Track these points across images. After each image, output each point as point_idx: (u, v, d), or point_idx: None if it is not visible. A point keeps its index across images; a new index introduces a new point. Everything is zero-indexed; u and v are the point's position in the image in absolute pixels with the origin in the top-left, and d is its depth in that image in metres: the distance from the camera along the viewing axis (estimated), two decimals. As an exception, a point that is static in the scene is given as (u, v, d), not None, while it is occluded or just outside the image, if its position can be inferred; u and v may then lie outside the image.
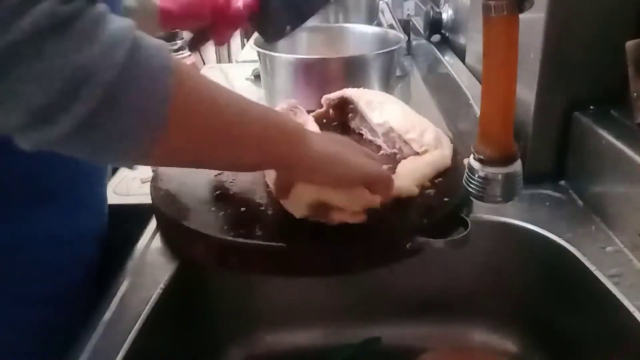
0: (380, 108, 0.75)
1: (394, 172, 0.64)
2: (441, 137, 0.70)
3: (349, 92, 0.81)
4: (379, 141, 0.75)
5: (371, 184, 0.52)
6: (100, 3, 0.35)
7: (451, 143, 0.71)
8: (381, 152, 0.75)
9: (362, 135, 0.79)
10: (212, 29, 0.85)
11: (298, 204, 0.56)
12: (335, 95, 0.82)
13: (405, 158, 0.68)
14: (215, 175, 0.69)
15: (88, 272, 0.66)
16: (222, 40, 0.88)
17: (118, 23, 0.35)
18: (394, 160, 0.71)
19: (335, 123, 0.84)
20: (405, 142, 0.69)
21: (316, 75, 0.97)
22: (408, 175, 0.62)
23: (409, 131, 0.69)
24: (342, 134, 0.78)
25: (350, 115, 0.82)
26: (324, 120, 0.83)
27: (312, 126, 0.73)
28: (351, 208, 0.53)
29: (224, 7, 0.82)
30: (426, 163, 0.65)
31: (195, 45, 0.93)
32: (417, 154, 0.68)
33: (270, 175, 0.62)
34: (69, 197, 0.61)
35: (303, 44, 1.14)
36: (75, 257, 0.64)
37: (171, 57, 0.38)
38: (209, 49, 3.22)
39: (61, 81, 0.32)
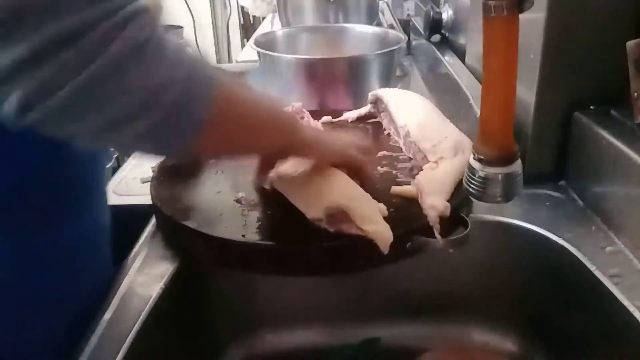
0: (406, 110, 0.75)
1: (413, 177, 0.64)
2: (462, 144, 0.67)
3: (382, 92, 0.82)
4: (401, 143, 0.75)
5: (349, 163, 0.62)
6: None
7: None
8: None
9: (390, 135, 0.79)
10: None
11: (316, 204, 0.56)
12: (371, 93, 0.85)
13: (418, 165, 0.67)
14: (215, 174, 0.69)
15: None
16: None
17: (174, 41, 0.41)
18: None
19: (373, 120, 0.85)
20: (419, 150, 0.68)
21: (316, 75, 0.97)
22: (436, 192, 0.60)
23: (425, 139, 0.68)
24: (375, 132, 0.82)
25: (382, 113, 0.82)
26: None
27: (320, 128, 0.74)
28: (367, 217, 0.55)
29: None
30: (445, 173, 0.63)
31: None
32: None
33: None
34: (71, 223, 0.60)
35: (303, 44, 1.14)
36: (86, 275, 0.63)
37: (214, 70, 0.45)
38: (209, 48, 3.22)
39: (139, 98, 0.38)
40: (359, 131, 0.83)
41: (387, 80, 1.01)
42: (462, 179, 0.58)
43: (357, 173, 0.62)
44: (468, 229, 0.57)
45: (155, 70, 0.38)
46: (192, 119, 0.42)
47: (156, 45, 0.38)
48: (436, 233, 0.56)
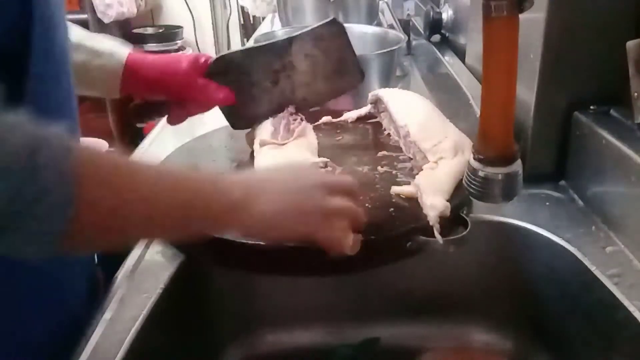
0: (406, 110, 0.75)
1: (413, 178, 0.64)
2: (462, 144, 0.67)
3: (382, 92, 0.82)
4: (401, 143, 0.75)
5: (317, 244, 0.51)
6: None
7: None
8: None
9: (390, 135, 0.79)
10: (173, 106, 0.73)
11: None
12: (371, 94, 0.84)
13: (418, 165, 0.67)
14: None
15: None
16: (177, 121, 0.74)
17: (10, 135, 0.34)
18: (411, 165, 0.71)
19: (373, 120, 0.85)
20: (419, 149, 0.69)
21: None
22: (436, 192, 0.60)
23: (425, 139, 0.68)
24: (375, 132, 0.81)
25: (382, 113, 0.82)
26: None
27: (311, 135, 0.73)
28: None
29: (197, 88, 0.70)
30: (445, 173, 0.63)
31: (140, 117, 0.76)
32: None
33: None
34: None
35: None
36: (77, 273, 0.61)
37: (70, 151, 0.37)
38: (209, 48, 3.22)
39: None
40: (359, 131, 0.83)
41: (387, 80, 1.01)
42: (462, 179, 0.58)
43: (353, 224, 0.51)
44: (468, 228, 0.57)
45: None
46: (45, 216, 0.36)
47: None
48: (436, 233, 0.56)
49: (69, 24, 0.56)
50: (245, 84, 0.74)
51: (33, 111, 0.36)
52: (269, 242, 0.52)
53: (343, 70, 0.78)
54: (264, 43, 0.77)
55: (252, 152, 0.72)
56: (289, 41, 0.74)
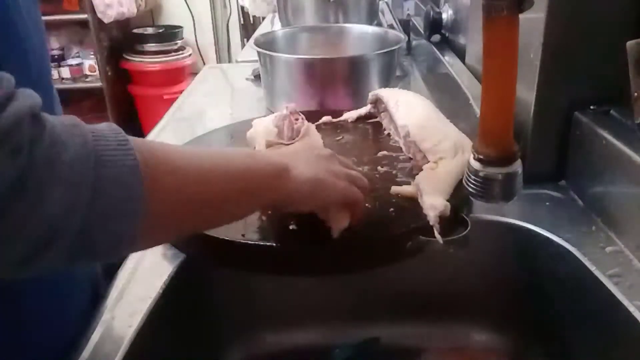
0: (406, 110, 0.75)
1: (413, 178, 0.64)
2: (462, 144, 0.67)
3: (382, 92, 0.82)
4: (401, 143, 0.75)
5: (348, 205, 0.54)
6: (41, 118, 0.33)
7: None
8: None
9: (390, 135, 0.79)
10: None
11: None
12: (371, 93, 0.84)
13: (418, 165, 0.67)
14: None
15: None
16: None
17: (72, 146, 0.33)
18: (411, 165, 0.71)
19: (373, 120, 0.85)
20: (419, 150, 0.68)
21: (317, 75, 0.97)
22: (436, 192, 0.60)
23: (425, 139, 0.68)
24: (375, 132, 0.81)
25: (382, 113, 0.82)
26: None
27: (314, 133, 0.73)
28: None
29: None
30: (445, 173, 0.63)
31: None
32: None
33: None
34: None
35: (303, 44, 1.14)
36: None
37: (132, 151, 0.36)
38: (209, 48, 3.23)
39: (32, 238, 0.32)
40: (359, 131, 0.83)
41: (388, 80, 1.01)
42: (462, 179, 0.59)
43: (351, 208, 0.54)
44: (468, 229, 0.57)
45: (45, 201, 0.31)
46: (120, 229, 0.35)
47: (40, 168, 0.31)
48: (436, 233, 0.56)
49: None
50: None
51: None
52: (311, 207, 0.52)
53: None
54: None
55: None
56: None
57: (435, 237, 0.56)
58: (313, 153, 0.55)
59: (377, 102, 0.84)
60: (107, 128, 0.37)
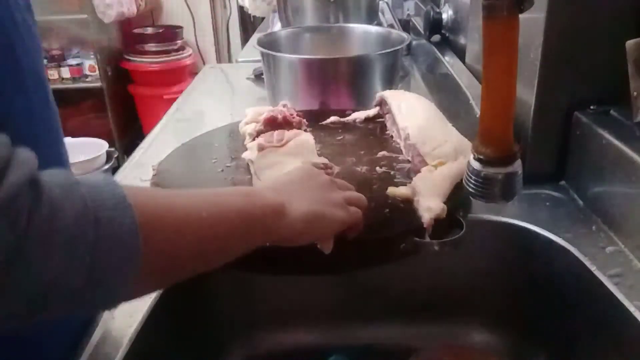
0: (408, 112, 0.75)
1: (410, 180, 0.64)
2: (463, 147, 0.67)
3: (387, 94, 0.82)
4: (401, 145, 0.75)
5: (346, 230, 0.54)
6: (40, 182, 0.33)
7: None
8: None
9: (392, 137, 0.79)
10: None
11: None
12: (377, 95, 0.84)
13: (417, 167, 0.67)
14: (216, 174, 0.69)
15: None
16: None
17: (70, 210, 0.33)
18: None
19: (379, 120, 0.85)
20: (418, 153, 0.68)
21: (320, 75, 0.97)
22: (433, 194, 0.60)
23: (425, 142, 0.68)
24: (380, 132, 0.81)
25: (387, 115, 0.82)
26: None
27: (306, 134, 0.73)
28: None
29: None
30: (443, 176, 0.63)
31: None
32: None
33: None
34: None
35: (306, 44, 1.14)
36: None
37: (130, 206, 0.35)
38: (209, 48, 3.22)
39: (28, 298, 0.32)
40: (361, 131, 0.82)
41: (391, 80, 1.01)
42: (460, 182, 0.59)
43: (351, 228, 0.54)
44: (463, 231, 0.57)
45: (43, 267, 0.32)
46: (118, 285, 0.36)
47: (39, 236, 0.31)
48: (427, 235, 0.56)
49: None
50: None
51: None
52: (310, 240, 0.52)
53: None
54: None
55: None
56: None
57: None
58: (309, 184, 0.54)
59: (382, 103, 0.84)
60: (103, 183, 0.36)
